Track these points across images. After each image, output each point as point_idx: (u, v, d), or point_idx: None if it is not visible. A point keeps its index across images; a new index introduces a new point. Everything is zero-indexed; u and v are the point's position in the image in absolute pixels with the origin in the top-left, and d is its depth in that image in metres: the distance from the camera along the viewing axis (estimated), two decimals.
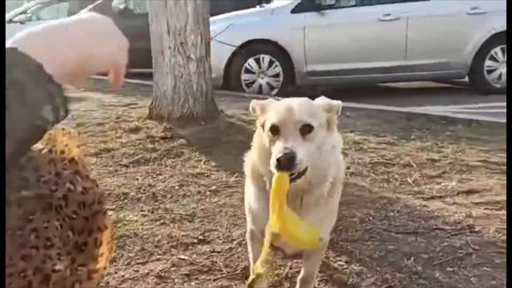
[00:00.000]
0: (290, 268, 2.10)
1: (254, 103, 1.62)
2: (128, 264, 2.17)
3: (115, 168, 3.39)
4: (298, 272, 2.06)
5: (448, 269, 2.05)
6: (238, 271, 2.09)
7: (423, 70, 6.75)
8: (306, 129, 1.43)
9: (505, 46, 6.63)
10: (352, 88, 7.57)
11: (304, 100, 1.54)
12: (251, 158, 1.65)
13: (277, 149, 1.38)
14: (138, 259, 2.21)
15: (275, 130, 1.44)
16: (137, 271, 2.10)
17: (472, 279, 1.97)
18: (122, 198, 2.88)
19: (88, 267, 0.86)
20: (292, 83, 6.51)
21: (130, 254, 2.24)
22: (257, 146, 1.58)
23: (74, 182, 0.83)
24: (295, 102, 1.50)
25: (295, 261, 2.14)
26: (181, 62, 4.15)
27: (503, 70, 6.72)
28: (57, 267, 0.76)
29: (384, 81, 7.46)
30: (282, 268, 2.10)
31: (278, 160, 1.35)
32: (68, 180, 0.83)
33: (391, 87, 7.72)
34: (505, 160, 3.47)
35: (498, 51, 6.67)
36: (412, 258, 2.13)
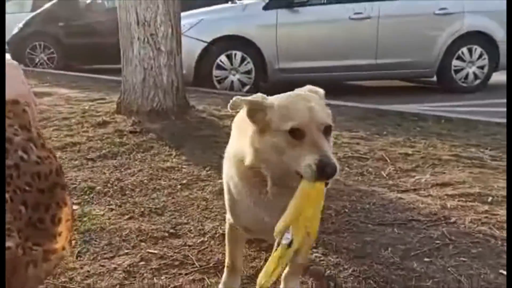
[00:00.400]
0: (265, 260, 2.02)
1: (239, 99, 1.43)
2: (93, 259, 2.04)
3: (81, 162, 3.24)
4: None
5: (426, 259, 2.02)
6: (211, 265, 1.99)
7: (392, 69, 6.81)
8: (327, 130, 1.34)
9: (472, 46, 6.78)
10: (323, 85, 7.58)
11: (312, 96, 1.44)
12: (238, 156, 1.49)
13: (315, 157, 1.25)
14: (104, 253, 2.08)
15: (298, 134, 1.30)
16: (103, 266, 1.98)
17: (449, 269, 1.94)
18: (88, 192, 2.75)
19: (44, 247, 0.75)
20: (264, 80, 6.45)
21: (96, 249, 2.12)
22: (256, 148, 1.39)
23: (27, 150, 0.73)
24: (309, 99, 1.38)
25: (270, 253, 2.07)
26: (151, 54, 4.02)
27: (470, 70, 6.87)
28: (6, 244, 0.66)
29: (354, 79, 7.51)
30: (257, 260, 2.03)
31: (322, 169, 1.24)
32: (20, 148, 0.73)
33: (361, 86, 7.77)
34: (476, 154, 3.52)
35: (465, 51, 6.80)
36: (390, 249, 2.09)
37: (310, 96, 1.44)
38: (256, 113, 1.40)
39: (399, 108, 5.32)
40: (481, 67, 6.88)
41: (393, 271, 1.93)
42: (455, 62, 6.81)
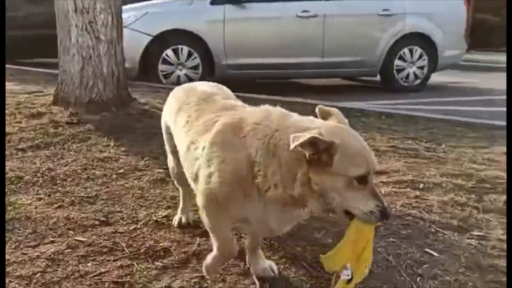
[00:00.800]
0: (198, 245, 1.99)
1: (314, 137, 1.32)
2: (15, 247, 1.93)
3: (10, 152, 3.07)
4: (206, 249, 1.96)
5: None
6: (141, 251, 1.93)
7: (338, 68, 6.94)
8: None
9: (412, 47, 7.03)
10: (270, 83, 7.64)
11: (354, 131, 1.47)
12: (269, 181, 1.44)
13: (376, 203, 1.36)
14: (28, 242, 1.97)
15: (362, 180, 1.36)
16: (25, 254, 1.87)
17: (379, 249, 1.98)
18: (15, 182, 2.60)
19: None
20: (211, 75, 6.39)
21: (19, 238, 2.00)
22: (311, 187, 1.38)
23: None
24: (359, 138, 1.44)
25: (205, 239, 2.04)
26: (90, 43, 3.86)
27: (410, 69, 7.12)
28: None
29: (301, 77, 7.61)
30: (190, 245, 1.98)
31: (383, 215, 1.37)
32: None
33: (308, 84, 7.88)
34: (412, 146, 3.63)
35: (406, 52, 7.04)
36: (323, 232, 2.11)
37: (354, 132, 1.47)
38: (321, 152, 1.35)
39: (345, 105, 5.43)
40: (421, 68, 7.15)
41: (326, 252, 1.94)
42: (397, 62, 7.04)
